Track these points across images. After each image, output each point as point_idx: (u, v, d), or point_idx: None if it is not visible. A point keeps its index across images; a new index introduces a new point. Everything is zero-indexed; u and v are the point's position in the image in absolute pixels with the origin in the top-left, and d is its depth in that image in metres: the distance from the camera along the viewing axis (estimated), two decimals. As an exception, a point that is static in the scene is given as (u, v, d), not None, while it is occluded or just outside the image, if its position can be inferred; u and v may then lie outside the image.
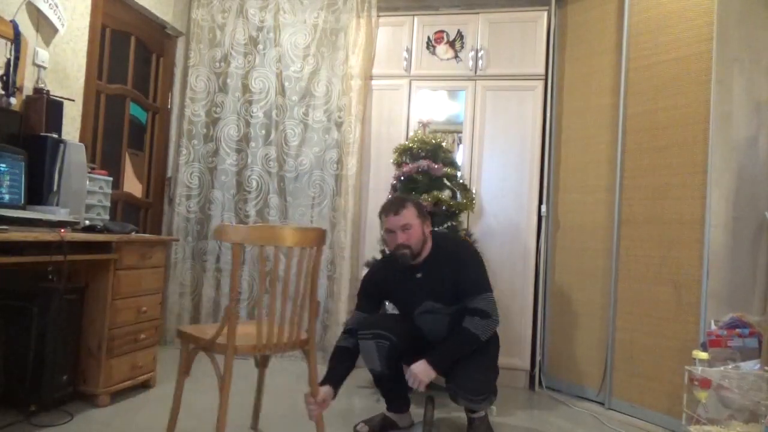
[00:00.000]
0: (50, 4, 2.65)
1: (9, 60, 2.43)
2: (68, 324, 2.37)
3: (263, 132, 3.72)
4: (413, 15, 3.58)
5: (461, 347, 2.19)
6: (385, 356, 2.23)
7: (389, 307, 2.75)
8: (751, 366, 1.98)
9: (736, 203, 2.49)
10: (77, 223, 2.33)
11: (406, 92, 3.53)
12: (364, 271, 3.19)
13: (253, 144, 3.72)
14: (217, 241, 3.70)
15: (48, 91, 2.59)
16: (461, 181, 3.16)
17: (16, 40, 2.45)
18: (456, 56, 3.50)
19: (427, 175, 2.95)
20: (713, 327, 2.20)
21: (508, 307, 3.19)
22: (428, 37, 3.54)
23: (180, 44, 3.89)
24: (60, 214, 2.28)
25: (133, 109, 3.56)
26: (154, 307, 2.75)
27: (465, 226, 3.21)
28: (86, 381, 2.44)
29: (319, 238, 1.94)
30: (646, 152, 2.81)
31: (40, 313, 2.25)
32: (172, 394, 2.09)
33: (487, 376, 2.23)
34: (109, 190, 2.85)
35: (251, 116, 3.74)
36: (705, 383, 1.99)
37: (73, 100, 2.85)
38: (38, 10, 2.60)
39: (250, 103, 3.75)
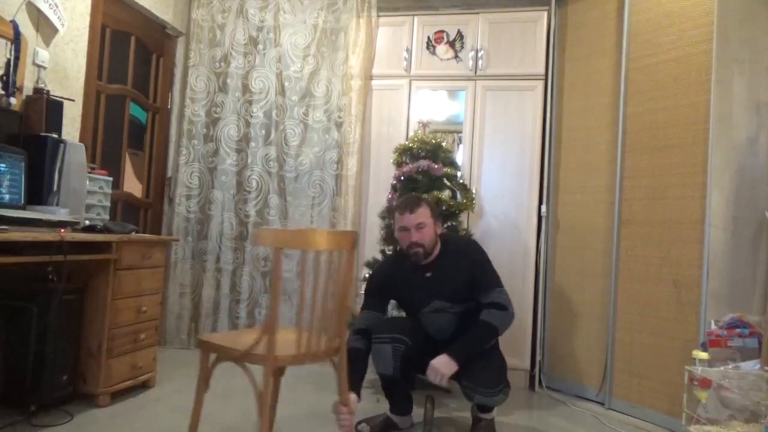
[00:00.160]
0: (50, 4, 2.65)
1: (9, 60, 2.43)
2: (68, 324, 2.37)
3: (263, 132, 3.72)
4: (413, 15, 3.58)
5: (481, 340, 2.21)
6: (400, 360, 2.24)
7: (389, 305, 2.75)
8: (751, 366, 1.98)
9: (736, 203, 2.49)
10: (77, 223, 2.33)
11: (406, 92, 3.53)
12: (364, 271, 3.20)
13: (253, 144, 3.72)
14: (217, 240, 3.71)
15: (48, 91, 2.58)
16: (461, 181, 3.17)
17: (16, 40, 2.45)
18: (456, 56, 3.50)
19: (427, 175, 2.95)
20: (713, 327, 2.20)
21: (508, 307, 3.18)
22: (428, 37, 3.54)
23: (180, 44, 3.90)
24: (60, 214, 2.28)
25: (133, 109, 3.56)
26: (154, 307, 2.75)
27: (465, 226, 3.21)
28: (86, 381, 2.44)
29: (353, 241, 1.87)
30: (646, 152, 2.81)
31: (40, 313, 2.25)
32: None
33: (499, 368, 2.25)
34: (109, 190, 2.85)
35: (251, 116, 3.74)
36: (705, 383, 1.99)
37: (73, 100, 2.85)
38: (38, 10, 2.60)
39: (250, 103, 3.75)
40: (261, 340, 1.67)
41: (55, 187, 2.40)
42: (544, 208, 3.31)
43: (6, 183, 2.22)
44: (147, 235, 2.99)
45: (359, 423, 2.38)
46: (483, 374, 2.17)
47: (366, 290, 2.48)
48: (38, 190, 2.36)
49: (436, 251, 2.36)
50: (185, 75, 3.84)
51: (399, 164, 3.07)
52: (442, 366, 2.11)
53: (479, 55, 3.44)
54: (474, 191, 3.28)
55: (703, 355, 2.07)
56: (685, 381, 2.09)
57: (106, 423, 2.26)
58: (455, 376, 2.18)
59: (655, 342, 2.69)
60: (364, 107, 3.57)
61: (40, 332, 2.25)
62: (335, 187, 3.60)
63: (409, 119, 3.50)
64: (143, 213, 3.72)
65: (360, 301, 2.55)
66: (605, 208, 3.01)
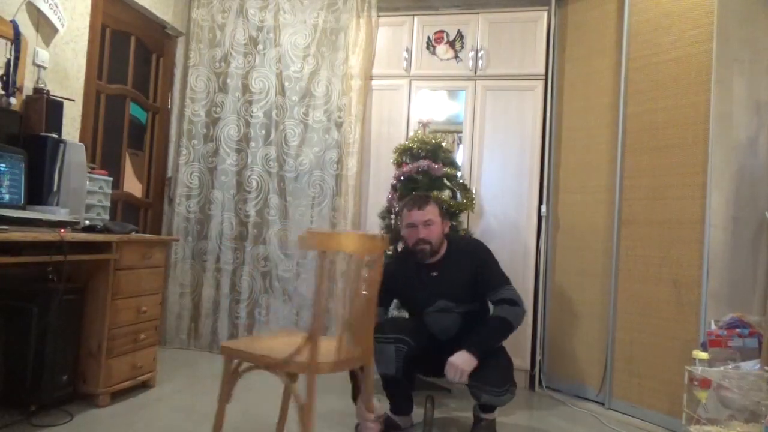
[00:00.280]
0: (50, 4, 2.65)
1: (9, 60, 2.43)
2: (68, 324, 2.37)
3: (263, 132, 3.72)
4: (413, 15, 3.58)
5: (497, 335, 2.22)
6: (402, 360, 2.24)
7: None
8: (751, 366, 1.98)
9: (736, 203, 2.49)
10: (77, 223, 2.33)
11: (406, 92, 3.53)
12: (365, 271, 3.19)
13: (253, 144, 3.72)
14: (217, 240, 3.71)
15: (48, 91, 2.58)
16: (461, 181, 3.17)
17: (16, 40, 2.45)
18: (456, 56, 3.50)
19: (427, 175, 2.95)
20: (713, 327, 2.20)
21: (508, 307, 3.18)
22: (428, 37, 3.54)
23: (180, 44, 3.89)
24: (60, 214, 2.28)
25: (133, 109, 3.56)
26: (154, 307, 2.75)
27: (465, 226, 3.21)
28: (86, 381, 2.44)
29: (385, 246, 1.85)
30: (646, 152, 2.81)
31: (40, 313, 2.25)
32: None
33: (506, 367, 2.26)
34: (109, 190, 2.85)
35: (251, 116, 3.74)
36: (705, 383, 1.99)
37: (73, 100, 2.85)
38: (38, 10, 2.60)
39: (250, 103, 3.75)
40: (304, 347, 1.58)
41: (55, 187, 2.40)
42: (544, 208, 3.31)
43: (6, 183, 2.22)
44: (147, 235, 3.00)
45: (359, 423, 2.38)
46: (491, 373, 2.16)
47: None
48: (38, 190, 2.36)
49: (442, 251, 2.37)
50: (185, 75, 3.84)
51: (399, 164, 3.07)
52: (463, 362, 2.10)
53: (479, 55, 3.44)
54: (474, 191, 3.28)
55: (703, 355, 2.07)
56: (685, 381, 2.09)
57: (106, 423, 2.26)
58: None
59: (655, 342, 2.69)
60: (364, 107, 3.57)
61: (40, 332, 2.25)
62: (335, 187, 3.60)
63: (409, 119, 3.50)
64: (143, 213, 3.72)
65: None
66: (605, 208, 3.01)
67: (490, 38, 3.45)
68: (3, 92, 2.41)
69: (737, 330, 2.12)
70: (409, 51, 3.54)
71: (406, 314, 2.65)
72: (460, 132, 3.49)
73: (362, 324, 1.77)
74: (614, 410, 2.85)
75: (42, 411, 2.25)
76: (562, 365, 3.22)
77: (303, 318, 3.57)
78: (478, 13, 3.50)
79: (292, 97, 3.70)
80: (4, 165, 2.21)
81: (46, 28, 2.69)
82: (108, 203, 2.84)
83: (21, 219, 2.04)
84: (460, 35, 3.50)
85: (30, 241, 1.94)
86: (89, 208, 2.69)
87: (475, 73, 3.45)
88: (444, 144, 3.07)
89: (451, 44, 3.51)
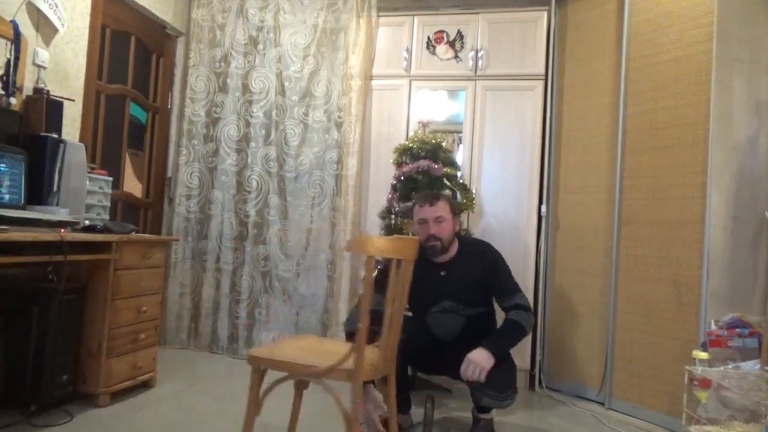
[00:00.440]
0: (50, 4, 2.65)
1: (9, 60, 2.43)
2: (68, 324, 2.37)
3: (263, 132, 3.72)
4: (413, 15, 3.58)
5: (513, 338, 2.23)
6: (401, 359, 2.23)
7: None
8: (751, 366, 1.98)
9: (736, 203, 2.49)
10: (77, 223, 2.33)
11: (406, 92, 3.53)
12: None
13: (253, 144, 3.72)
14: (217, 240, 3.70)
15: (48, 91, 2.58)
16: (461, 181, 3.17)
17: (16, 40, 2.45)
18: (456, 56, 3.50)
19: (427, 175, 2.95)
20: (713, 327, 2.20)
21: (508, 307, 3.18)
22: (428, 37, 3.54)
23: (180, 44, 3.89)
24: (60, 214, 2.28)
25: (133, 109, 3.56)
26: (154, 307, 2.75)
27: (465, 225, 3.22)
28: (86, 381, 2.44)
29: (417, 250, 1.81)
30: (646, 152, 2.81)
31: (40, 313, 2.25)
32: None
33: (510, 372, 2.26)
34: (109, 190, 2.85)
35: (251, 116, 3.74)
36: (705, 383, 1.99)
37: (73, 100, 2.85)
38: (38, 10, 2.60)
39: (250, 103, 3.75)
40: (349, 355, 1.54)
41: (55, 187, 2.40)
42: (544, 207, 3.31)
43: (6, 183, 2.22)
44: (147, 235, 3.00)
45: (359, 424, 2.37)
46: (495, 378, 2.15)
47: (375, 281, 2.46)
48: (38, 190, 2.36)
49: (453, 251, 2.37)
50: (185, 75, 3.84)
51: (399, 164, 3.08)
52: (483, 359, 2.09)
53: (479, 55, 3.44)
54: (474, 191, 3.28)
55: (703, 355, 2.06)
56: (685, 381, 2.09)
57: (106, 423, 2.26)
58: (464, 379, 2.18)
59: (655, 342, 2.69)
60: (364, 107, 3.57)
61: (40, 332, 2.25)
62: (335, 187, 3.60)
63: (409, 119, 3.50)
64: (143, 213, 3.72)
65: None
66: (605, 208, 3.01)
67: (490, 38, 3.45)
68: (3, 92, 2.41)
69: (737, 330, 2.12)
70: (409, 51, 3.54)
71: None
72: (460, 132, 3.49)
73: (396, 331, 1.73)
74: (614, 410, 2.85)
75: (42, 411, 2.25)
76: (562, 365, 3.22)
77: (303, 318, 3.57)
78: (478, 13, 3.50)
79: (292, 97, 3.70)
80: (4, 165, 2.21)
81: (46, 28, 2.69)
82: (108, 203, 2.84)
83: (21, 219, 2.04)
84: (460, 35, 3.50)
85: (30, 241, 1.94)
86: (89, 208, 2.69)
87: (475, 73, 3.45)
88: (444, 144, 3.07)
89: (451, 44, 3.51)
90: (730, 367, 2.00)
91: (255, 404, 1.64)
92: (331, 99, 3.64)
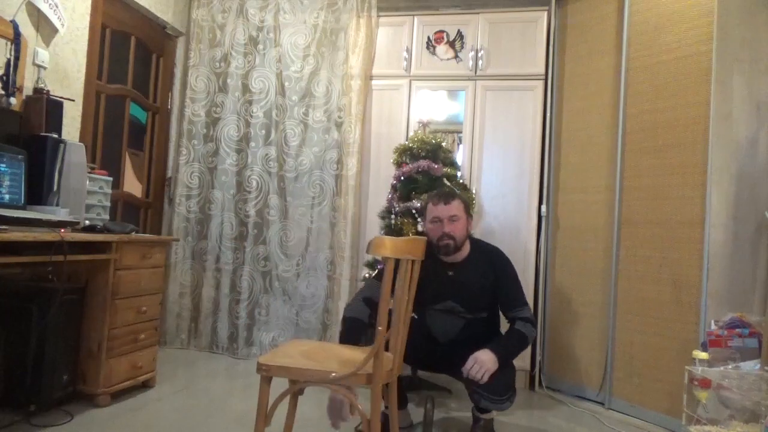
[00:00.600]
0: (50, 4, 2.65)
1: (9, 60, 2.43)
2: (68, 324, 2.37)
3: (263, 132, 3.72)
4: (413, 15, 3.58)
5: (517, 346, 2.23)
6: None
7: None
8: (751, 366, 1.98)
9: (736, 203, 2.49)
10: (77, 223, 2.33)
11: (406, 92, 3.53)
12: (364, 271, 3.20)
13: (253, 144, 3.72)
14: (217, 240, 3.71)
15: (48, 91, 2.59)
16: (461, 181, 3.17)
17: (16, 40, 2.45)
18: (456, 56, 3.50)
19: (427, 175, 2.95)
20: (713, 327, 2.21)
21: (508, 307, 3.18)
22: (428, 37, 3.54)
23: (180, 44, 3.89)
24: (60, 214, 2.28)
25: (133, 109, 3.56)
26: (154, 307, 2.75)
27: (465, 226, 3.21)
28: (86, 381, 2.44)
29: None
30: (646, 152, 2.81)
31: (40, 313, 2.25)
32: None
33: (509, 376, 2.24)
34: (109, 190, 2.85)
35: (251, 116, 3.74)
36: (705, 383, 1.99)
37: (73, 100, 2.85)
38: (38, 10, 2.60)
39: (250, 103, 3.75)
40: (368, 360, 1.52)
41: (55, 187, 2.40)
42: (544, 208, 3.31)
43: (6, 183, 2.22)
44: (147, 235, 3.00)
45: (359, 424, 2.38)
46: (495, 381, 2.14)
47: (377, 275, 2.45)
48: (38, 190, 2.36)
49: (465, 252, 2.35)
50: (185, 75, 3.84)
51: (399, 164, 3.08)
52: (489, 361, 2.08)
53: (479, 55, 3.44)
54: (474, 191, 3.28)
55: (703, 355, 2.07)
56: (685, 381, 2.09)
57: (106, 423, 2.26)
58: (463, 378, 2.18)
59: (655, 342, 2.69)
60: (364, 107, 3.57)
61: (40, 332, 2.25)
62: (335, 187, 3.60)
63: (409, 119, 3.50)
64: (143, 213, 3.72)
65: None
66: (605, 208, 3.01)
67: (490, 38, 3.45)
68: (3, 92, 2.41)
69: (737, 330, 2.12)
70: (409, 51, 3.54)
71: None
72: (460, 132, 3.49)
73: (405, 332, 1.73)
74: (614, 410, 2.85)
75: (42, 411, 2.25)
76: (562, 365, 3.22)
77: (303, 318, 3.57)
78: (478, 13, 3.50)
79: (292, 97, 3.70)
80: (4, 165, 2.22)
81: (46, 28, 2.69)
82: (108, 203, 2.84)
83: (21, 219, 2.04)
84: (460, 35, 3.50)
85: (30, 241, 1.94)
86: (89, 208, 2.69)
87: (475, 73, 3.45)
88: (444, 144, 3.07)
89: (451, 44, 3.51)
90: (730, 367, 2.00)
91: (265, 415, 1.57)
92: (331, 99, 3.64)
